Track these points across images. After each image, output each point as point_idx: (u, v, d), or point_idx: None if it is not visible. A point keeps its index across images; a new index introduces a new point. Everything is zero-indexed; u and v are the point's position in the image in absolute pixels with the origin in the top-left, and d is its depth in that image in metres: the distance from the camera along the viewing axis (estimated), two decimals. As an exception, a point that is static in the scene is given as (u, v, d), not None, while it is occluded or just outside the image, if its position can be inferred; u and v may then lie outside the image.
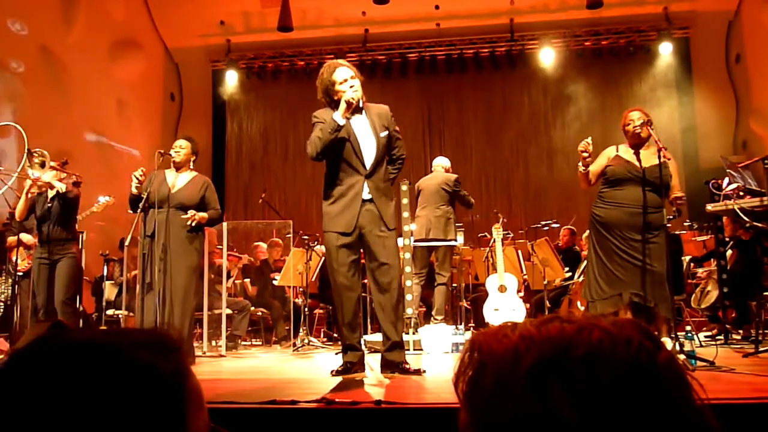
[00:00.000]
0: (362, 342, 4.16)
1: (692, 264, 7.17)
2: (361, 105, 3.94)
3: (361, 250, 4.01)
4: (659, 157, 4.17)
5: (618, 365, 0.61)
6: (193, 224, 4.90)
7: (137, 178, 4.84)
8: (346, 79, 3.91)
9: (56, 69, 8.73)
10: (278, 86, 11.69)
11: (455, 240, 6.53)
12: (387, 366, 3.89)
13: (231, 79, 11.47)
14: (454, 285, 7.23)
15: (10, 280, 6.69)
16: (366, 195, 3.88)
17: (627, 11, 10.44)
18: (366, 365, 4.08)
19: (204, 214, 5.02)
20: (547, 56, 10.78)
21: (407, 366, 3.86)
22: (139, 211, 4.92)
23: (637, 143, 4.40)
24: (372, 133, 3.95)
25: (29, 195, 5.55)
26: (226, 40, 11.24)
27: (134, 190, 4.88)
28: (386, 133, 3.98)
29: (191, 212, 4.91)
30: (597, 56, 10.93)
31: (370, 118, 3.98)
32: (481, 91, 11.38)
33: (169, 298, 4.84)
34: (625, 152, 4.45)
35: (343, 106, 3.83)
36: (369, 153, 3.92)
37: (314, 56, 11.30)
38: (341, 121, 3.83)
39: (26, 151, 5.23)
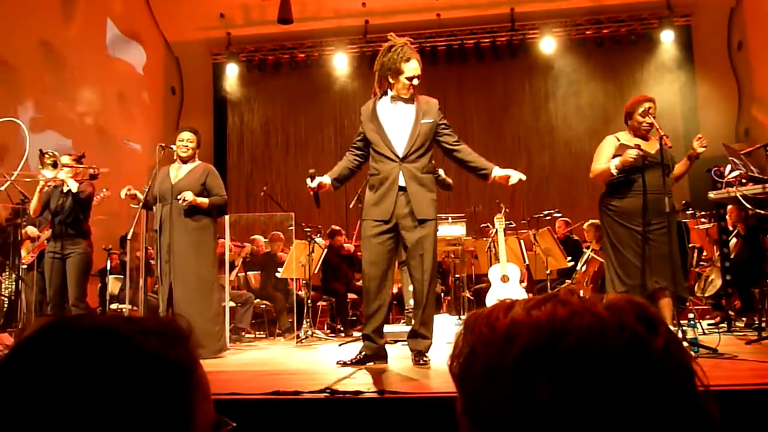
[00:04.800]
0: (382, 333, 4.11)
1: (696, 251, 7.17)
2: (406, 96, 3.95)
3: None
4: (661, 145, 4.16)
5: (607, 356, 0.59)
6: (187, 200, 4.82)
7: (129, 196, 4.96)
8: (414, 76, 3.89)
9: (56, 64, 8.72)
10: (279, 79, 11.67)
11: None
12: (411, 352, 3.94)
13: (232, 72, 11.46)
14: (457, 276, 7.23)
15: (14, 276, 6.70)
16: (401, 183, 3.88)
17: (628, -1, 10.40)
18: (384, 357, 4.05)
19: (203, 199, 4.96)
20: (548, 45, 10.74)
21: (417, 357, 3.86)
22: (140, 207, 4.95)
23: (643, 135, 4.35)
24: (412, 121, 3.93)
25: (42, 192, 5.56)
26: (227, 33, 11.21)
27: (133, 203, 4.96)
28: (430, 121, 3.95)
29: (184, 193, 4.84)
30: (598, 45, 10.88)
31: (416, 106, 3.97)
32: (482, 81, 11.35)
33: (177, 292, 4.87)
34: (628, 140, 4.35)
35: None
36: (401, 140, 3.91)
37: (315, 48, 11.28)
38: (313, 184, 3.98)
39: (34, 146, 5.27)
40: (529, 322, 0.63)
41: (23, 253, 6.29)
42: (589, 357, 0.59)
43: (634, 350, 0.60)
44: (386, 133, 3.92)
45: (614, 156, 4.31)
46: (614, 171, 4.22)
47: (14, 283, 6.69)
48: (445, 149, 4.06)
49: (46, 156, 5.43)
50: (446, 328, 5.49)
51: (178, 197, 4.87)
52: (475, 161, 4.00)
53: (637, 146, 4.17)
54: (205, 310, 4.92)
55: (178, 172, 5.12)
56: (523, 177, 3.87)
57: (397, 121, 3.94)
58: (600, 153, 4.43)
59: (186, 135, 5.20)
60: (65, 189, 5.54)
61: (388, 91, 3.98)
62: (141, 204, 4.98)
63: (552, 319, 0.62)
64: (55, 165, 5.43)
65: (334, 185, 4.07)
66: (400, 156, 3.89)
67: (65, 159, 5.58)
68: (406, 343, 4.14)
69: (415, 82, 3.89)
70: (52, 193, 5.59)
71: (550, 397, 0.58)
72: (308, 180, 3.94)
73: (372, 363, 3.93)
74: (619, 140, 4.40)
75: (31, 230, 6.35)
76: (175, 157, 5.21)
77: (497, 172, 3.91)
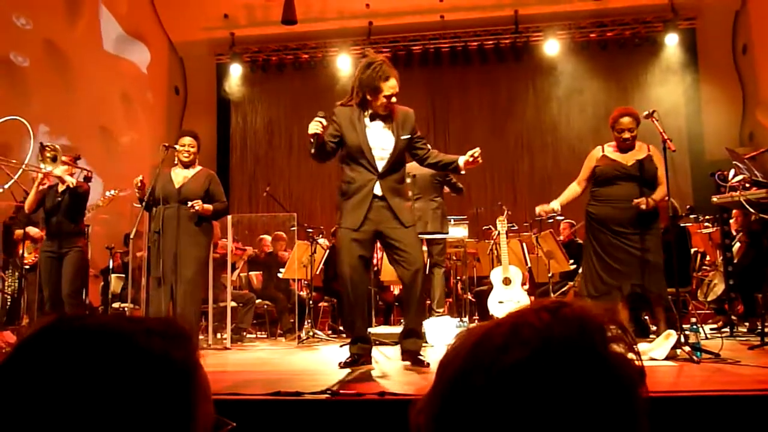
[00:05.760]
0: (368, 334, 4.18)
1: (699, 256, 7.15)
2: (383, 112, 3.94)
3: (379, 247, 4.06)
4: (664, 149, 4.19)
5: (552, 366, 0.60)
6: (196, 209, 4.93)
7: (137, 186, 4.98)
8: (392, 95, 3.87)
9: (61, 63, 8.75)
10: (282, 79, 11.69)
11: (448, 232, 6.49)
12: (404, 353, 3.94)
13: (235, 73, 11.46)
14: (459, 278, 7.23)
15: (17, 274, 6.72)
16: (377, 192, 3.89)
17: (632, 2, 10.38)
18: (372, 358, 4.10)
19: (209, 206, 5.07)
20: (552, 48, 10.72)
21: (421, 357, 3.87)
22: (143, 206, 4.98)
23: (624, 149, 4.51)
24: (392, 135, 3.95)
25: (40, 188, 5.58)
26: (230, 34, 11.22)
27: (138, 194, 5.00)
28: (407, 137, 3.99)
29: (195, 202, 4.97)
30: (602, 48, 10.86)
31: (394, 121, 3.98)
32: (485, 83, 11.34)
33: (178, 291, 4.92)
34: (612, 153, 4.57)
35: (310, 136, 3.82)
36: (383, 155, 3.92)
37: (318, 49, 11.29)
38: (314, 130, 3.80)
39: (38, 144, 5.29)
40: (468, 344, 0.64)
41: (25, 253, 6.30)
42: (533, 370, 0.60)
43: (580, 363, 0.60)
44: (370, 147, 3.91)
45: (595, 166, 4.59)
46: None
47: (17, 280, 6.71)
48: (417, 160, 4.14)
49: (47, 150, 5.43)
50: (447, 331, 5.48)
51: (189, 203, 4.95)
52: (444, 159, 4.07)
53: (551, 211, 4.78)
54: (193, 309, 4.99)
55: (180, 176, 5.18)
56: (477, 150, 3.90)
57: (377, 138, 3.94)
58: (584, 165, 4.72)
59: (187, 140, 5.26)
60: (60, 188, 5.55)
61: (367, 107, 3.96)
62: (143, 205, 5.01)
63: (503, 332, 0.63)
64: (54, 159, 5.44)
65: (320, 145, 3.90)
66: (379, 171, 3.90)
67: (62, 158, 5.61)
68: None
69: (393, 100, 3.91)
70: (47, 193, 5.59)
71: (497, 406, 0.59)
72: (321, 118, 3.83)
73: (364, 363, 3.94)
74: (603, 151, 4.62)
75: (33, 231, 6.36)
76: (176, 162, 5.27)
77: (462, 160, 3.96)
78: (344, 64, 11.06)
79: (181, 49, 11.54)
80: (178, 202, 5.04)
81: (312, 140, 3.81)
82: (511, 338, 0.61)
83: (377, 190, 3.89)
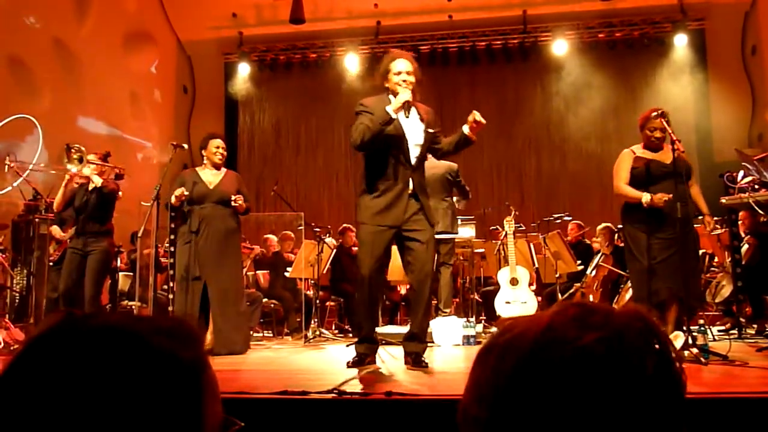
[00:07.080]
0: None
1: (707, 257, 7.12)
2: (410, 102, 3.97)
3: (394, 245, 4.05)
4: (673, 151, 4.17)
5: (594, 370, 0.61)
6: (239, 204, 5.14)
7: (182, 200, 5.10)
8: (401, 71, 3.93)
9: (69, 62, 8.79)
10: (290, 79, 11.70)
11: (458, 232, 6.50)
12: (407, 355, 3.94)
13: (243, 72, 11.48)
14: (466, 278, 7.21)
15: (25, 271, 6.75)
16: (410, 190, 3.90)
17: (641, 2, 10.34)
18: (378, 357, 4.10)
19: (243, 203, 5.25)
20: (560, 48, 10.69)
21: (423, 359, 3.87)
22: (150, 205, 5.02)
23: (654, 148, 4.48)
24: (421, 129, 3.99)
25: (68, 188, 5.64)
26: (239, 33, 11.25)
27: (173, 201, 5.08)
28: (432, 131, 4.04)
29: (236, 196, 5.17)
30: (611, 48, 10.82)
31: (419, 115, 4.02)
32: (493, 83, 11.32)
33: (218, 291, 5.06)
34: (643, 153, 4.52)
35: (398, 102, 3.83)
36: (415, 149, 3.95)
37: (326, 48, 11.29)
38: (394, 115, 3.82)
39: (45, 142, 5.33)
40: (513, 335, 0.66)
41: (50, 250, 6.36)
42: (576, 370, 0.61)
43: (623, 367, 0.61)
44: (406, 138, 3.93)
45: (633, 167, 4.48)
46: (644, 204, 4.33)
47: (25, 278, 6.74)
48: (438, 155, 4.24)
49: (73, 151, 5.48)
50: (454, 331, 5.48)
51: (233, 198, 5.15)
52: (452, 139, 4.11)
53: (666, 200, 4.26)
54: (240, 307, 5.24)
55: (211, 177, 5.31)
56: (476, 113, 3.93)
57: (410, 130, 3.96)
58: (619, 169, 4.57)
59: (220, 142, 5.44)
60: (90, 187, 5.60)
61: (391, 98, 3.97)
62: (153, 202, 5.04)
63: (548, 329, 0.64)
64: (81, 160, 5.50)
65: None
66: (413, 165, 3.92)
67: (91, 156, 5.65)
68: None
69: (404, 77, 3.91)
70: (77, 191, 5.65)
71: (538, 406, 0.61)
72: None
73: (371, 363, 3.94)
74: (635, 153, 4.54)
75: (56, 230, 6.43)
76: (204, 161, 5.38)
77: (466, 129, 4.00)
78: (352, 64, 11.06)
79: (189, 48, 11.58)
80: (214, 202, 5.17)
81: (401, 108, 3.81)
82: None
83: (411, 187, 3.90)
